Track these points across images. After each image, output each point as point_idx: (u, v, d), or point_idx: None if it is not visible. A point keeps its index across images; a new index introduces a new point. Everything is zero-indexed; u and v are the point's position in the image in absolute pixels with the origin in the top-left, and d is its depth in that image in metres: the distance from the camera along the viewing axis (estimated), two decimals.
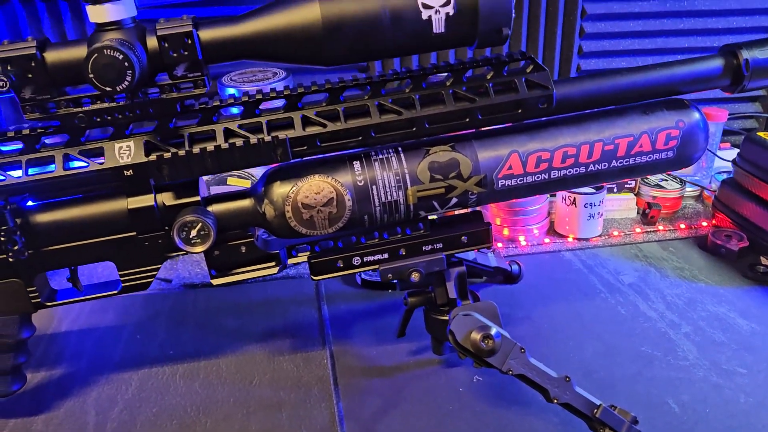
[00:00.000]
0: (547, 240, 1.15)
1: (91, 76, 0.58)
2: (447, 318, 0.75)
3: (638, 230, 1.17)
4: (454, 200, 0.70)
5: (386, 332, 0.91)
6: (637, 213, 1.22)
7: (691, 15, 1.31)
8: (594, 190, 1.13)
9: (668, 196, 1.21)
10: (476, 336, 0.67)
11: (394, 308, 0.97)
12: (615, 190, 1.22)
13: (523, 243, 1.14)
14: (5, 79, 0.57)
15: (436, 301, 0.76)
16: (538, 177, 0.70)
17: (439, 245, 0.73)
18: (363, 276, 1.03)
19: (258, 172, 1.06)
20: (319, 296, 1.02)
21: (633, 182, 1.23)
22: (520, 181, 0.70)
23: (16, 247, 0.64)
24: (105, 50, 0.57)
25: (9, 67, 0.59)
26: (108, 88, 0.58)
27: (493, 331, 0.67)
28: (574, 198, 1.13)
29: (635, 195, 1.23)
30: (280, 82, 1.15)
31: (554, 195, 1.19)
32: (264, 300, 1.01)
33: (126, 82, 0.58)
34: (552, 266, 1.08)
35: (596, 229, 1.16)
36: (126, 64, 0.58)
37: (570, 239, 1.15)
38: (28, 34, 1.17)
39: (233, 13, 1.18)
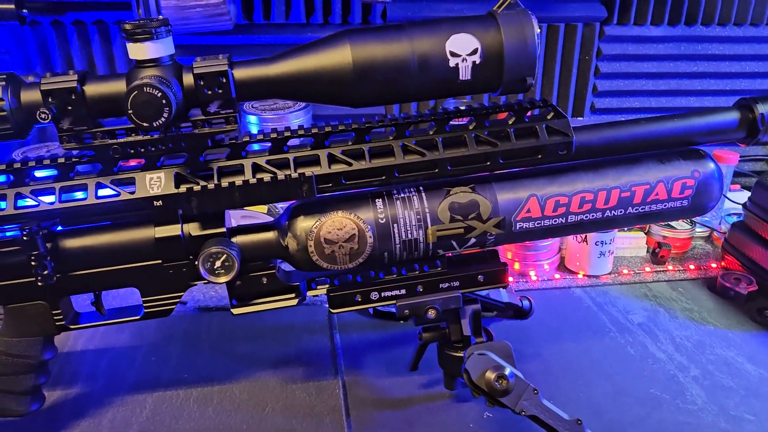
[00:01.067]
0: (557, 276, 1.16)
1: (130, 111, 0.60)
2: (461, 354, 0.76)
3: (648, 269, 1.18)
4: (473, 240, 0.72)
5: (398, 364, 0.92)
6: (647, 252, 1.24)
7: (705, 59, 1.34)
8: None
9: (678, 236, 1.22)
10: (491, 375, 0.68)
11: (405, 339, 0.99)
12: (626, 228, 1.23)
13: (534, 278, 1.16)
14: (47, 112, 0.59)
15: (450, 337, 0.77)
16: (555, 221, 0.72)
17: (456, 283, 0.75)
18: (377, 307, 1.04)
19: None
20: (331, 324, 1.03)
21: None
22: (538, 224, 0.72)
23: (45, 272, 0.66)
24: (144, 88, 0.59)
25: (50, 99, 0.61)
26: (145, 124, 0.60)
27: (508, 371, 0.68)
28: (586, 235, 1.14)
29: (645, 234, 1.24)
30: (300, 112, 1.17)
31: None
32: (277, 325, 1.02)
33: (163, 118, 0.60)
34: (562, 302, 1.09)
35: (606, 267, 1.17)
36: (164, 101, 0.60)
37: (580, 276, 1.17)
38: (57, 55, 1.20)
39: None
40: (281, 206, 1.13)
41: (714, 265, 1.19)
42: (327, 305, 1.06)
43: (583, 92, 1.35)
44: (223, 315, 1.06)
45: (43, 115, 0.59)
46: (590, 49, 1.32)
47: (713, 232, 1.29)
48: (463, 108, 0.71)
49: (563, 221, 0.72)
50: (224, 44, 1.20)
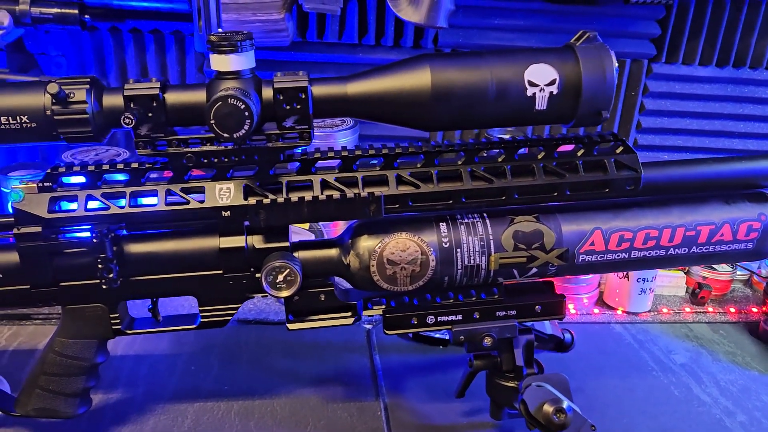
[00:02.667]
0: (596, 310, 1.15)
1: (212, 122, 0.60)
2: (512, 385, 0.76)
3: (688, 309, 1.17)
4: (534, 270, 0.72)
5: (440, 389, 0.91)
6: (686, 292, 1.23)
7: (751, 101, 1.34)
8: None
9: (719, 278, 1.21)
10: (548, 409, 0.67)
11: (446, 365, 0.98)
12: (686, 267, 1.22)
13: (572, 311, 1.15)
14: (131, 117, 0.60)
15: (501, 366, 0.77)
16: (618, 255, 0.72)
17: (513, 312, 0.74)
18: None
19: None
20: (370, 345, 1.02)
21: None
22: (601, 258, 0.71)
23: (110, 275, 0.66)
24: (229, 99, 0.60)
25: (132, 105, 0.62)
26: (226, 135, 0.61)
27: (566, 404, 0.67)
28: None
29: (685, 274, 1.23)
30: (347, 131, 1.18)
31: None
32: (315, 343, 1.02)
33: (243, 130, 0.61)
34: (602, 338, 1.08)
35: (646, 304, 1.16)
36: (246, 113, 0.60)
37: (619, 312, 1.16)
38: (112, 61, 1.22)
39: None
40: (322, 224, 1.13)
41: (755, 310, 1.18)
42: (367, 326, 1.08)
43: (627, 128, 1.35)
44: (261, 329, 1.05)
45: (127, 120, 0.60)
46: (637, 85, 1.32)
47: (753, 276, 1.27)
48: (520, 138, 0.72)
49: (626, 256, 0.72)
50: (276, 60, 1.21)
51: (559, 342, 0.99)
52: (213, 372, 0.93)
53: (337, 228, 1.13)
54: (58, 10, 1.07)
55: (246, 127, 0.61)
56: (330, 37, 1.22)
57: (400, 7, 1.07)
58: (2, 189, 1.15)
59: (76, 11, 1.07)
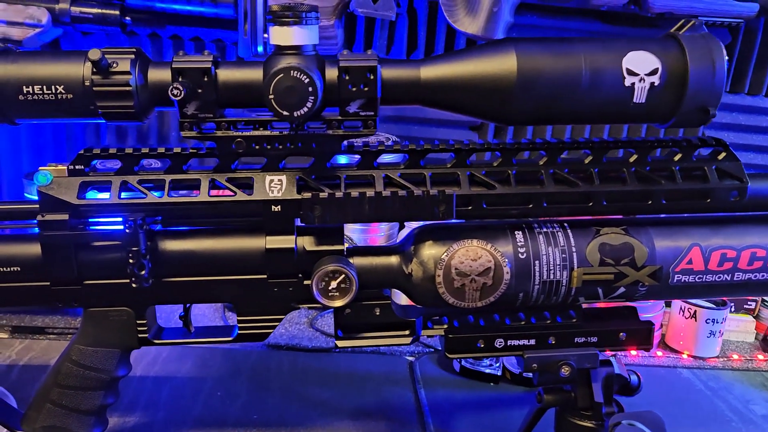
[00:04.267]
0: (659, 353, 1.05)
1: (270, 97, 0.53)
2: (589, 424, 0.66)
3: (761, 357, 1.06)
4: (621, 290, 0.62)
5: (495, 429, 0.80)
6: (756, 338, 1.12)
7: None
8: (716, 306, 1.04)
9: None
10: None
11: (498, 404, 0.87)
12: (732, 309, 1.12)
13: (634, 353, 1.04)
14: (180, 88, 0.53)
15: (576, 402, 0.67)
16: (719, 277, 0.62)
17: (594, 339, 0.65)
18: (463, 363, 0.93)
19: None
20: (414, 378, 0.92)
21: (753, 303, 1.13)
22: (699, 278, 0.62)
23: (142, 272, 0.58)
24: (291, 71, 0.53)
25: (180, 78, 0.55)
26: (285, 113, 0.54)
27: None
28: (695, 311, 1.03)
29: (754, 318, 1.13)
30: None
31: (669, 304, 1.09)
32: (353, 373, 0.92)
33: (306, 108, 0.54)
34: (670, 383, 0.97)
35: (714, 349, 1.05)
36: (310, 89, 0.53)
37: (685, 356, 1.05)
38: None
39: None
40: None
41: None
42: (409, 357, 0.98)
43: None
44: (293, 355, 0.96)
45: (175, 92, 0.53)
46: None
47: None
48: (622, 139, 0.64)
49: (728, 278, 0.62)
50: None
51: (624, 384, 0.89)
52: (241, 399, 0.84)
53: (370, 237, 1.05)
54: (99, 11, 1.02)
55: (309, 105, 0.54)
56: (378, 51, 1.16)
57: (457, 18, 1.01)
58: (26, 195, 1.09)
59: (117, 12, 1.03)
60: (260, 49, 1.01)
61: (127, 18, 1.04)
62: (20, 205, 0.61)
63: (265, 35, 1.01)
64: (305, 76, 0.53)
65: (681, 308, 1.05)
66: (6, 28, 1.00)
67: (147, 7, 1.05)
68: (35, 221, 0.59)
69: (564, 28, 1.15)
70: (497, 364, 0.93)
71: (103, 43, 1.15)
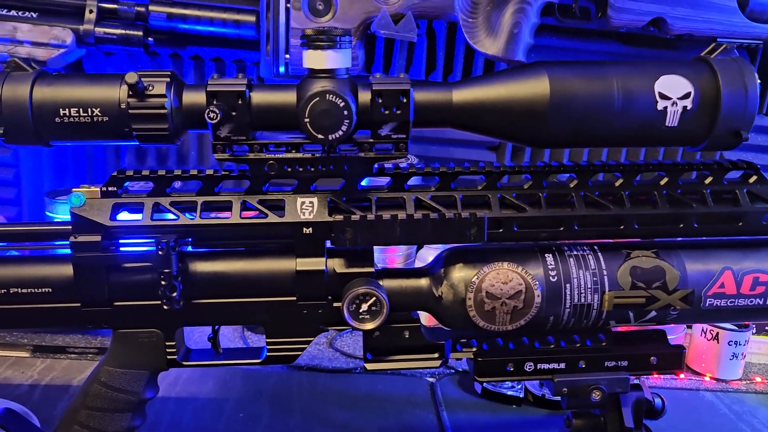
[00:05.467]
0: (681, 375, 1.04)
1: (306, 120, 0.54)
2: None
3: None
4: (652, 314, 0.62)
5: None
6: None
7: None
8: (738, 327, 1.03)
9: None
10: None
11: (522, 427, 0.87)
12: (754, 330, 1.11)
13: (655, 374, 1.03)
14: (217, 111, 0.53)
15: (606, 427, 0.66)
16: (752, 301, 0.62)
17: (624, 363, 0.64)
18: (485, 385, 0.93)
19: None
20: (435, 400, 0.91)
21: None
22: (731, 302, 0.62)
23: (174, 294, 0.58)
24: (327, 95, 0.53)
25: (215, 101, 0.56)
26: (321, 136, 0.54)
27: None
28: (717, 333, 1.02)
29: None
30: None
31: (690, 326, 1.09)
32: (374, 395, 0.92)
33: (341, 132, 0.54)
34: (693, 406, 0.96)
35: (737, 372, 1.04)
36: (345, 112, 0.54)
37: (707, 378, 1.04)
38: None
39: None
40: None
41: None
42: (430, 378, 0.98)
43: None
44: (313, 376, 0.95)
45: (212, 115, 0.53)
46: None
47: None
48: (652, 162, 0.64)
49: (761, 303, 0.62)
50: None
51: (649, 407, 0.88)
52: (263, 421, 0.83)
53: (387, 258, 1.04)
54: (123, 31, 1.03)
55: (344, 128, 0.54)
56: (396, 71, 1.17)
57: (478, 39, 1.02)
58: (47, 213, 1.09)
59: (140, 33, 1.04)
60: (282, 69, 1.02)
61: (150, 39, 1.05)
62: (52, 226, 0.61)
63: (287, 56, 1.02)
64: (341, 100, 0.53)
65: (703, 330, 1.04)
66: (31, 49, 1.01)
67: (170, 28, 1.06)
68: (63, 242, 0.60)
69: (582, 50, 1.15)
70: (519, 386, 0.92)
71: (125, 64, 1.16)
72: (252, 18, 1.05)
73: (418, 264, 1.11)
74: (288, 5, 0.99)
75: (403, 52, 1.17)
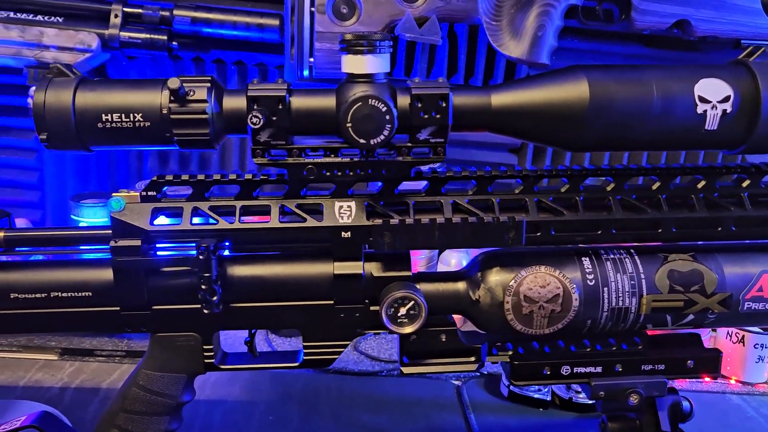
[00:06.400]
0: (707, 378, 1.03)
1: (348, 125, 0.54)
2: None
3: None
4: (690, 317, 0.62)
5: None
6: None
7: None
8: (764, 330, 1.03)
9: None
10: None
11: (550, 430, 0.87)
12: None
13: (693, 378, 1.03)
14: (259, 116, 0.53)
15: (641, 431, 0.66)
16: None
17: (661, 366, 0.64)
18: (511, 388, 0.93)
19: None
20: (462, 403, 0.91)
21: None
22: None
23: (214, 298, 0.58)
24: (369, 100, 0.53)
25: (256, 106, 0.56)
26: (362, 140, 0.54)
27: None
28: (743, 335, 1.02)
29: None
30: None
31: (715, 329, 1.08)
32: (401, 398, 0.92)
33: (382, 136, 0.54)
34: (721, 410, 0.96)
35: (763, 374, 1.03)
36: (387, 117, 0.54)
37: (733, 381, 1.03)
38: None
39: None
40: None
41: None
42: (455, 381, 0.98)
43: None
44: (340, 379, 0.96)
45: (254, 120, 0.54)
46: None
47: None
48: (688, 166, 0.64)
49: None
50: None
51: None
52: (293, 424, 0.83)
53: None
54: (147, 36, 1.04)
55: (386, 133, 0.54)
56: (418, 74, 1.17)
57: (501, 42, 1.02)
58: (72, 216, 1.10)
59: (165, 37, 1.04)
60: (306, 72, 1.02)
61: (174, 43, 1.06)
62: (92, 230, 0.61)
63: (311, 59, 1.02)
64: (383, 105, 0.54)
65: (728, 332, 1.04)
66: (57, 53, 1.02)
67: (194, 32, 1.07)
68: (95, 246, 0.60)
69: (604, 52, 1.15)
70: (546, 389, 0.92)
71: (148, 68, 1.17)
72: (275, 22, 1.06)
73: (441, 267, 1.11)
74: (312, 9, 1.00)
75: (424, 54, 1.17)
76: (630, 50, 1.15)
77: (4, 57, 1.01)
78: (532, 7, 1.01)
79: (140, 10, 1.04)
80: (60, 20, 1.02)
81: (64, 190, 1.19)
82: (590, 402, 0.90)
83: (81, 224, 1.08)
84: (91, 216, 1.08)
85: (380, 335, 1.06)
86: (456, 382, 0.97)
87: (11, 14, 1.02)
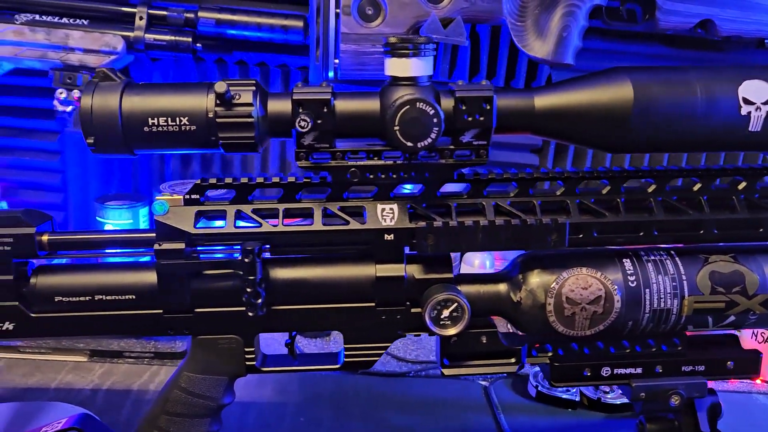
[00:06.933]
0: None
1: (396, 128, 0.54)
2: None
3: None
4: (731, 318, 0.62)
5: None
6: None
7: None
8: None
9: None
10: None
11: (580, 430, 0.87)
12: None
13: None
14: (307, 120, 0.54)
15: None
16: None
17: (701, 368, 0.64)
18: (539, 388, 0.93)
19: None
20: (491, 404, 0.92)
21: None
22: None
23: (258, 301, 0.58)
24: (417, 104, 0.54)
25: (301, 110, 0.56)
26: (409, 144, 0.54)
27: None
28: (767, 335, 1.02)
29: None
30: None
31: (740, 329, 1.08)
32: (430, 399, 0.92)
33: (429, 139, 0.54)
34: (749, 410, 0.95)
35: None
36: (435, 120, 0.54)
37: (758, 381, 1.03)
38: None
39: None
40: None
41: None
42: (483, 382, 0.98)
43: None
44: (367, 380, 0.96)
45: (302, 123, 0.54)
46: None
47: None
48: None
49: None
50: None
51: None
52: (324, 425, 0.84)
53: None
54: (172, 38, 1.04)
55: (433, 136, 0.54)
56: (439, 76, 1.17)
57: (526, 42, 1.02)
58: (98, 218, 1.10)
59: (190, 39, 1.04)
60: (331, 74, 1.02)
61: (198, 45, 1.06)
62: (136, 233, 0.62)
63: (336, 61, 1.02)
64: (431, 108, 0.54)
65: (753, 332, 1.04)
66: (83, 56, 1.02)
67: (218, 34, 1.07)
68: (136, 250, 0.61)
69: (627, 52, 1.15)
70: (574, 390, 0.92)
71: (172, 70, 1.17)
72: (299, 23, 1.06)
73: (464, 268, 1.12)
74: (337, 10, 1.00)
75: (447, 55, 1.17)
76: (651, 50, 1.15)
77: (30, 60, 1.02)
78: (556, 7, 1.01)
79: (165, 12, 1.04)
80: (85, 23, 1.03)
81: (86, 191, 1.19)
82: (618, 402, 0.91)
83: (106, 226, 1.09)
84: (116, 218, 1.08)
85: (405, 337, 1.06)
86: (483, 383, 0.97)
87: (37, 17, 1.02)
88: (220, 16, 1.05)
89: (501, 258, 1.18)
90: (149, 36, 1.03)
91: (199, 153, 1.17)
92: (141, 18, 1.03)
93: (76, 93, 1.01)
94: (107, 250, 0.62)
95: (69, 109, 1.02)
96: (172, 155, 1.21)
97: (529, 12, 1.02)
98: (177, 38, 1.05)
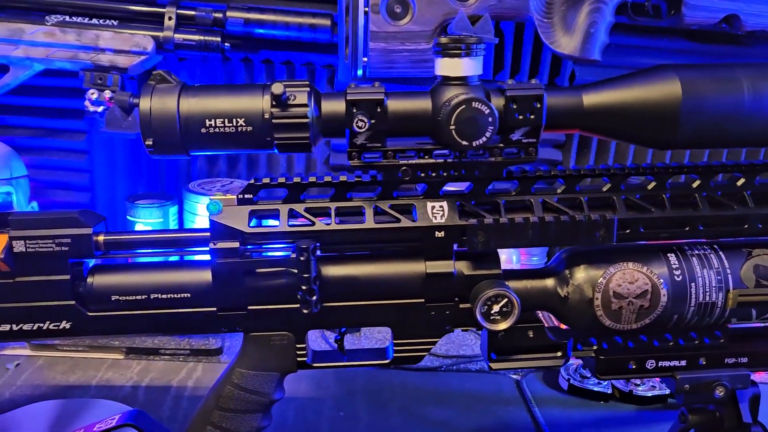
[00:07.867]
0: None
1: (452, 128, 0.55)
2: None
3: None
4: None
5: None
6: None
7: None
8: None
9: None
10: None
11: (616, 423, 0.88)
12: None
13: None
14: (365, 120, 0.55)
15: (723, 422, 0.67)
16: None
17: (744, 359, 0.65)
18: (571, 381, 0.94)
19: None
20: (525, 397, 0.93)
21: None
22: None
23: (313, 298, 0.59)
24: (472, 103, 0.54)
25: (354, 110, 0.57)
26: (464, 143, 0.55)
27: None
28: None
29: None
30: None
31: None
32: (465, 393, 0.93)
33: (484, 138, 0.55)
34: None
35: None
36: (490, 119, 0.55)
37: None
38: None
39: None
40: None
41: None
42: (514, 376, 0.99)
43: None
44: (402, 374, 0.97)
45: (360, 123, 0.55)
46: None
47: None
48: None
49: None
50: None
51: None
52: (363, 420, 0.85)
53: None
54: (201, 38, 1.05)
55: (487, 134, 0.55)
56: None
57: (553, 39, 1.03)
58: (128, 217, 1.11)
59: (218, 39, 1.05)
60: (360, 72, 1.03)
61: (227, 44, 1.07)
62: (191, 233, 0.63)
63: (365, 59, 1.03)
64: (486, 107, 0.55)
65: None
66: (113, 56, 1.03)
67: (246, 34, 1.08)
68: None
69: (652, 47, 1.16)
70: (606, 383, 0.93)
71: (199, 69, 1.18)
72: (327, 22, 1.06)
73: None
74: (366, 9, 1.00)
75: None
76: (676, 45, 1.16)
77: (62, 60, 1.03)
78: (583, 4, 1.01)
79: (193, 12, 1.05)
80: (115, 23, 1.03)
81: (114, 191, 1.20)
82: (649, 395, 0.93)
83: (137, 225, 1.10)
84: (146, 216, 1.09)
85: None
86: (514, 377, 0.98)
87: (67, 18, 1.03)
88: (248, 16, 1.06)
89: (526, 253, 1.20)
90: (178, 36, 1.04)
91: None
92: (170, 18, 1.04)
93: (107, 93, 1.02)
94: (161, 250, 0.63)
95: (100, 109, 1.03)
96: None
97: (555, 9, 1.03)
98: (206, 38, 1.05)
